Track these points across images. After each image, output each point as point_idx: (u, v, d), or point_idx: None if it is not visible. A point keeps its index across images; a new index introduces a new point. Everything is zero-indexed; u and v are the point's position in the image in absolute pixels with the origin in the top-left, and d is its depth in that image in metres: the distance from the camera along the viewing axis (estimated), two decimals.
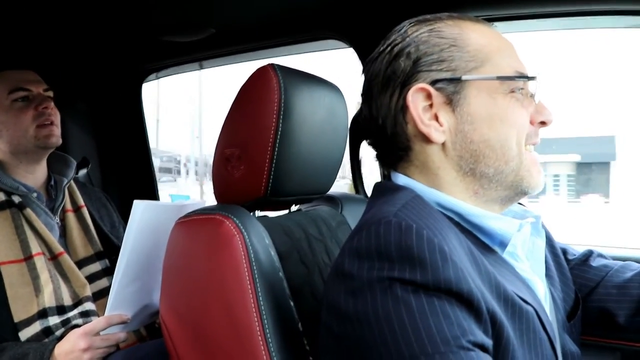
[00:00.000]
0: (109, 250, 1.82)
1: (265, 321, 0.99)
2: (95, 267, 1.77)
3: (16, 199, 1.64)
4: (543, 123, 0.94)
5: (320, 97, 1.20)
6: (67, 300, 1.62)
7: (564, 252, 1.21)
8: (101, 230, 1.86)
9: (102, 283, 1.75)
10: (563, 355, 0.97)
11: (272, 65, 1.13)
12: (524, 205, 1.11)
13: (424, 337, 0.71)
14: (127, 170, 2.67)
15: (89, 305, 1.66)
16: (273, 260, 1.07)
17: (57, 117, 1.75)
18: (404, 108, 0.92)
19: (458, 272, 0.75)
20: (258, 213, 1.23)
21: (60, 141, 1.75)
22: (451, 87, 0.90)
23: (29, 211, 1.64)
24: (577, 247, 1.25)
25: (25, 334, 1.52)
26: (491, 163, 0.90)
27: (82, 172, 2.33)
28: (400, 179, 0.97)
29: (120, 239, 1.55)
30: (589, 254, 1.22)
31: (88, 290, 1.68)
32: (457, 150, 0.91)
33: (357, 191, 1.77)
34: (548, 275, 1.06)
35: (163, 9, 1.86)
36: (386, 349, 0.72)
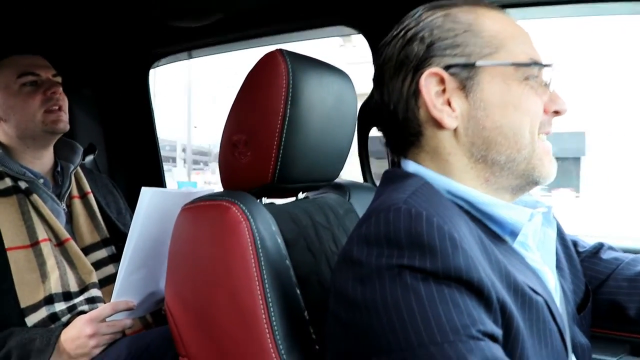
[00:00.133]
0: (116, 237, 1.83)
1: (272, 309, 0.99)
2: (102, 253, 1.77)
3: (23, 184, 1.64)
4: (557, 112, 0.93)
5: (329, 83, 1.18)
6: (74, 287, 1.63)
7: (575, 244, 1.20)
8: (107, 216, 1.86)
9: (108, 270, 1.75)
10: (573, 347, 0.96)
11: (280, 50, 1.12)
12: (533, 195, 1.09)
13: (433, 325, 0.70)
14: (134, 156, 2.66)
15: (95, 292, 1.66)
16: (280, 248, 1.07)
17: (65, 103, 1.75)
18: (417, 93, 0.91)
19: (468, 260, 0.74)
20: (265, 200, 1.22)
21: (67, 127, 1.75)
22: (465, 73, 0.89)
23: (35, 197, 1.64)
24: (587, 239, 1.24)
25: (31, 320, 1.53)
26: (503, 150, 0.89)
27: (89, 158, 2.32)
28: (410, 166, 0.96)
29: (127, 226, 1.55)
30: (599, 247, 1.21)
31: (94, 277, 1.68)
32: (469, 136, 0.90)
33: (364, 179, 1.76)
34: (558, 267, 1.06)
35: None
36: (394, 337, 0.71)
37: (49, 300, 1.56)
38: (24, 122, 1.68)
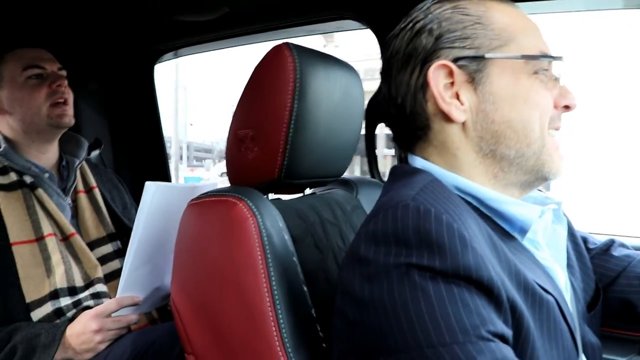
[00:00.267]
0: (121, 231, 1.83)
1: (278, 306, 0.98)
2: (107, 248, 1.77)
3: (28, 179, 1.64)
4: (567, 107, 0.92)
5: (337, 77, 1.17)
6: (79, 282, 1.63)
7: (585, 241, 1.19)
8: (113, 211, 1.86)
9: (113, 265, 1.76)
10: (583, 347, 0.95)
11: (287, 44, 1.11)
12: (543, 192, 1.08)
13: (442, 326, 0.69)
14: (140, 151, 2.66)
15: (100, 287, 1.66)
16: (287, 244, 1.06)
17: (70, 97, 1.75)
18: (425, 85, 0.90)
19: (478, 258, 0.73)
20: (271, 196, 1.22)
21: (73, 121, 1.75)
22: (474, 65, 0.87)
23: (40, 192, 1.64)
24: (598, 237, 1.23)
25: (37, 315, 1.53)
26: (512, 145, 0.87)
27: (95, 153, 2.32)
28: (417, 161, 0.94)
29: (132, 221, 1.55)
30: (610, 244, 1.19)
31: (99, 272, 1.68)
32: (478, 130, 0.88)
33: (372, 175, 1.75)
34: (568, 264, 1.04)
35: None
36: (402, 337, 0.70)
37: (54, 295, 1.57)
38: (29, 116, 1.68)
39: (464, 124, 0.89)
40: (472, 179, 0.89)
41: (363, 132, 1.37)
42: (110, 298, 1.63)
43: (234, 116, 1.17)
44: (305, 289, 1.06)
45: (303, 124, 1.09)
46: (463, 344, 0.68)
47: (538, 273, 0.85)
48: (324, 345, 1.03)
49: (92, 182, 1.85)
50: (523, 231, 0.88)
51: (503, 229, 0.88)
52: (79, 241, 1.67)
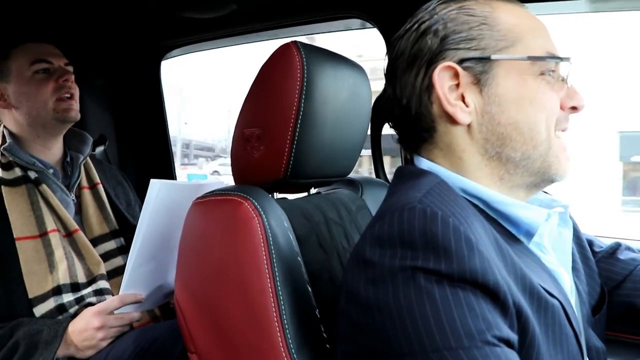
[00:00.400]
0: (125, 228, 1.83)
1: (283, 306, 0.98)
2: (110, 245, 1.77)
3: (32, 174, 1.65)
4: (574, 108, 0.91)
5: (344, 77, 1.17)
6: (82, 278, 1.63)
7: (590, 244, 1.18)
8: (117, 208, 1.86)
9: (116, 261, 1.76)
10: (587, 351, 0.95)
11: (295, 42, 1.10)
12: (549, 194, 1.07)
13: (448, 330, 0.68)
14: (145, 148, 2.66)
15: (103, 284, 1.66)
16: (292, 244, 1.06)
17: (76, 92, 1.76)
18: (430, 87, 0.89)
19: (484, 262, 0.72)
20: (276, 195, 1.21)
21: (78, 116, 1.75)
22: (479, 67, 0.87)
23: (44, 187, 1.64)
24: (604, 240, 1.22)
25: (39, 310, 1.54)
26: (518, 147, 0.87)
27: (99, 149, 2.33)
28: (423, 163, 0.94)
29: (136, 218, 1.55)
30: (616, 247, 1.19)
31: (102, 269, 1.68)
32: (483, 132, 0.88)
33: (377, 175, 1.74)
34: (574, 267, 1.04)
35: None
36: (407, 341, 0.69)
37: (57, 291, 1.57)
38: (35, 110, 1.69)
39: (469, 126, 0.88)
40: (478, 181, 0.89)
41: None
42: (113, 295, 1.64)
43: (240, 115, 1.17)
44: (309, 289, 1.05)
45: (310, 123, 1.09)
46: (469, 349, 0.67)
47: (544, 277, 0.85)
48: (327, 346, 1.03)
49: (96, 178, 1.85)
50: (529, 234, 0.87)
51: (509, 231, 0.88)
52: (82, 237, 1.68)
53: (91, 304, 1.58)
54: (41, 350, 1.43)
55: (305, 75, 1.07)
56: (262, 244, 1.00)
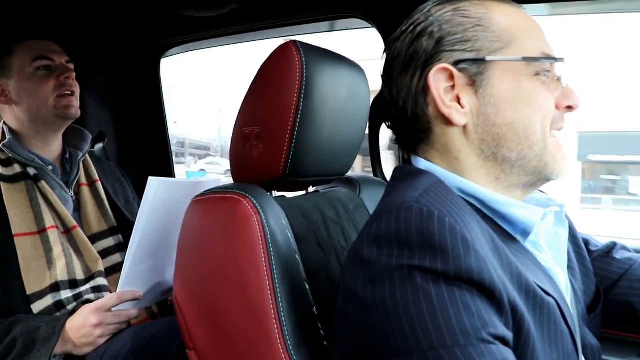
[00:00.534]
0: (123, 225, 1.83)
1: (280, 304, 0.98)
2: (109, 242, 1.78)
3: (31, 171, 1.65)
4: (569, 108, 0.92)
5: (343, 76, 1.18)
6: (80, 275, 1.63)
7: (586, 243, 1.19)
8: (115, 205, 1.87)
9: (115, 258, 1.76)
10: (583, 348, 0.95)
11: (294, 42, 1.11)
12: (546, 193, 1.08)
13: (443, 328, 0.69)
14: (144, 145, 2.66)
15: (101, 281, 1.66)
16: (290, 242, 1.06)
17: (77, 89, 1.76)
18: (425, 89, 0.90)
19: (480, 261, 0.73)
20: (275, 193, 1.22)
21: (79, 113, 1.76)
22: (474, 68, 0.87)
23: (43, 184, 1.65)
24: (600, 239, 1.23)
25: (37, 307, 1.54)
26: (514, 147, 0.87)
27: (99, 146, 2.33)
28: (421, 163, 0.94)
29: (135, 215, 1.55)
30: (612, 246, 1.19)
31: (101, 265, 1.69)
32: (479, 133, 0.88)
33: (375, 174, 1.75)
34: (569, 266, 1.04)
35: None
36: (403, 339, 0.70)
37: (55, 287, 1.57)
38: (35, 106, 1.69)
39: (465, 127, 0.89)
40: (475, 181, 0.89)
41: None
42: (111, 292, 1.64)
43: (239, 113, 1.17)
44: (307, 287, 1.06)
45: (308, 122, 1.10)
46: (464, 347, 0.68)
47: (539, 275, 0.85)
48: (325, 343, 1.03)
49: (95, 175, 1.85)
50: (525, 233, 0.88)
51: (505, 230, 0.88)
52: (80, 234, 1.68)
53: (89, 301, 1.58)
54: (39, 347, 1.43)
55: (305, 75, 1.07)
56: (261, 242, 1.00)
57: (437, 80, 0.88)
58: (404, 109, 0.93)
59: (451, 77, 0.88)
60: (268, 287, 0.98)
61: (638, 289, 1.10)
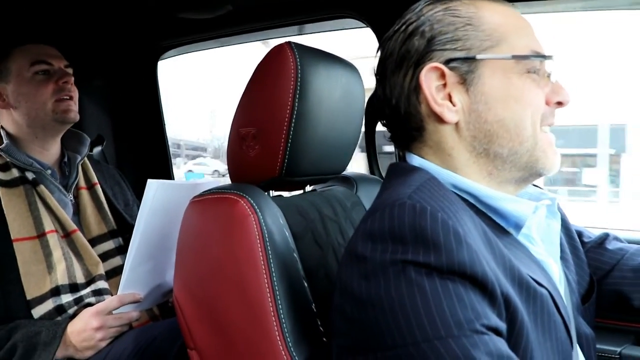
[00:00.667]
0: (123, 228, 1.83)
1: (279, 302, 0.99)
2: (109, 245, 1.77)
3: (30, 175, 1.65)
4: (560, 104, 0.93)
5: (337, 76, 1.19)
6: (80, 278, 1.63)
7: (580, 234, 1.20)
8: (115, 208, 1.87)
9: (115, 261, 1.76)
10: (577, 338, 0.97)
11: (289, 43, 1.12)
12: (539, 187, 1.09)
13: (438, 320, 0.70)
14: (142, 148, 2.66)
15: (102, 284, 1.67)
16: (288, 241, 1.07)
17: (75, 94, 1.76)
18: (417, 87, 0.91)
19: (472, 255, 0.74)
20: (272, 193, 1.23)
21: (77, 117, 1.76)
22: (465, 67, 0.88)
23: (42, 188, 1.64)
24: (592, 231, 1.24)
25: (38, 312, 1.53)
26: (505, 143, 0.89)
27: (97, 149, 2.33)
28: (415, 160, 0.96)
29: (134, 218, 1.55)
30: (604, 237, 1.21)
31: (101, 269, 1.69)
32: (471, 130, 0.90)
33: (371, 172, 1.75)
34: (563, 257, 1.06)
35: None
36: (399, 332, 0.71)
37: (56, 291, 1.57)
38: (34, 110, 1.69)
39: (457, 124, 0.90)
40: (468, 177, 0.91)
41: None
42: (112, 295, 1.64)
43: (235, 114, 1.18)
44: (305, 284, 1.07)
45: (304, 122, 1.11)
46: (458, 338, 0.69)
47: (532, 267, 0.87)
48: (324, 339, 1.04)
49: (94, 178, 1.85)
50: (518, 227, 0.89)
51: (498, 224, 0.90)
52: (80, 238, 1.68)
53: (90, 305, 1.57)
54: (40, 352, 1.43)
55: (299, 75, 1.09)
56: (259, 241, 1.01)
57: (428, 79, 0.89)
58: (397, 108, 0.94)
59: (442, 75, 0.89)
60: (267, 285, 0.99)
61: (630, 278, 1.12)
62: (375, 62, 1.01)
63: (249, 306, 1.01)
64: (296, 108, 1.09)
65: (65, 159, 1.81)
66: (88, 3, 1.98)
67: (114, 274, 1.73)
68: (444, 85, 0.89)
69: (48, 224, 1.62)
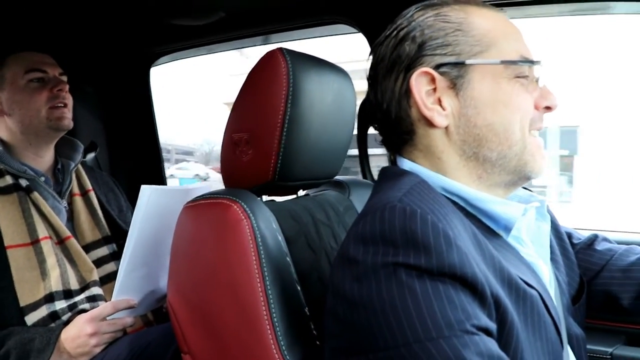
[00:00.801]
0: (117, 234, 1.83)
1: (272, 306, 1.00)
2: (103, 251, 1.77)
3: (23, 182, 1.65)
4: (548, 108, 0.94)
5: (329, 81, 1.19)
6: (74, 285, 1.63)
7: (569, 236, 1.21)
8: (109, 214, 1.87)
9: (109, 267, 1.76)
10: (568, 338, 0.98)
11: (281, 49, 1.13)
12: (529, 190, 1.10)
13: (428, 322, 0.71)
14: (135, 154, 2.67)
15: (96, 290, 1.66)
16: (280, 245, 1.08)
17: (70, 101, 1.77)
18: (408, 92, 0.92)
19: (462, 256, 0.75)
20: (265, 197, 1.23)
21: (71, 125, 1.76)
22: (455, 71, 0.89)
23: (36, 195, 1.64)
24: (582, 232, 1.25)
25: (31, 319, 1.53)
26: (494, 147, 0.89)
27: (90, 156, 2.33)
28: (405, 163, 0.97)
29: (128, 224, 1.55)
30: (594, 238, 1.22)
31: (95, 275, 1.69)
32: (461, 134, 0.91)
33: (364, 176, 1.76)
34: (553, 259, 1.07)
35: None
36: (391, 334, 0.72)
37: (50, 298, 1.57)
38: (28, 117, 1.69)
39: (447, 128, 0.91)
40: (458, 180, 0.92)
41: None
42: (106, 301, 1.63)
43: (228, 119, 1.19)
44: (298, 288, 1.08)
45: (296, 127, 1.11)
46: (449, 338, 0.70)
47: (522, 269, 0.88)
48: (317, 343, 1.05)
49: (88, 185, 1.85)
50: (507, 229, 0.90)
51: (488, 227, 0.91)
52: (74, 244, 1.68)
53: (84, 311, 1.57)
54: (33, 359, 1.43)
55: (291, 81, 1.09)
56: (252, 246, 1.02)
57: (419, 83, 0.90)
58: (388, 112, 0.95)
59: (433, 80, 0.90)
60: (260, 289, 1.00)
61: (619, 278, 1.13)
62: (367, 66, 1.02)
63: (242, 310, 1.01)
64: (288, 113, 1.09)
65: (59, 166, 1.81)
66: (81, 11, 1.98)
67: (108, 280, 1.73)
68: (434, 89, 0.90)
69: (42, 230, 1.62)
